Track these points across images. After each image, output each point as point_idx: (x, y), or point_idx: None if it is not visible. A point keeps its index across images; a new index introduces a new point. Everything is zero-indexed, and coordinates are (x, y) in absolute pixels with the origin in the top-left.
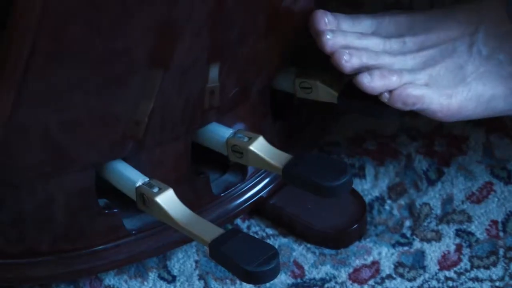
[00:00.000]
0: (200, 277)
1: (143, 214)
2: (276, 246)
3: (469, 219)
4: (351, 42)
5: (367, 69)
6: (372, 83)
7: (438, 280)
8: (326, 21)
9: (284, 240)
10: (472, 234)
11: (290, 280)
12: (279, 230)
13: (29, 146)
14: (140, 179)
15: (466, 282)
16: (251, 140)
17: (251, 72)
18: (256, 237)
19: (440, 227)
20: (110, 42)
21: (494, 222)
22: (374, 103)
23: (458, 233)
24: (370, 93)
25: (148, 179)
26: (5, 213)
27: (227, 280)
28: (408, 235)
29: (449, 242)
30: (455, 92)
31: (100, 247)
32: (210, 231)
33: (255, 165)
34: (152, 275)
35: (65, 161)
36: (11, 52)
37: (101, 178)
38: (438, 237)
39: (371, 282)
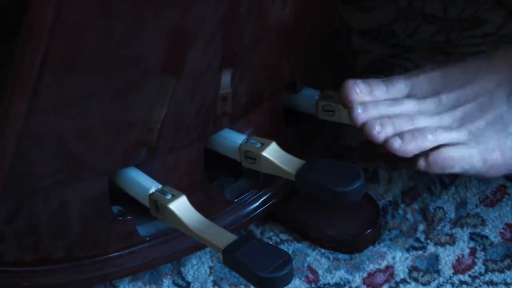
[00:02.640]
0: (214, 283)
1: (157, 221)
2: (290, 252)
3: (483, 223)
4: (384, 111)
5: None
6: (404, 146)
7: (452, 284)
8: (357, 91)
9: (298, 246)
10: (486, 237)
11: (304, 286)
12: (293, 235)
13: (43, 154)
14: (153, 186)
15: (480, 285)
16: (264, 146)
17: (264, 78)
18: (270, 242)
19: (454, 231)
20: (123, 50)
21: (508, 225)
22: None
23: (472, 236)
24: (405, 157)
25: (161, 186)
26: (20, 221)
27: (241, 286)
28: (422, 239)
29: (463, 246)
30: (499, 145)
31: (114, 254)
32: (223, 237)
33: (268, 171)
34: (167, 282)
35: (79, 168)
36: (24, 60)
37: (115, 185)
38: (452, 241)
39: (385, 286)
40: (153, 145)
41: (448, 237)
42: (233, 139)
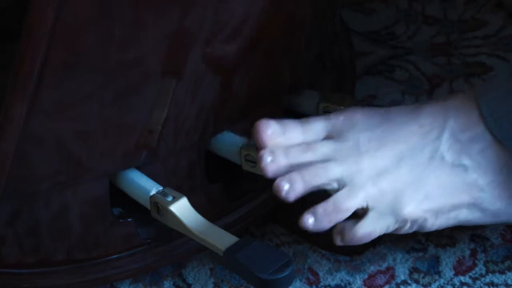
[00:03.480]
0: (215, 285)
1: (158, 223)
2: (291, 253)
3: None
4: (295, 159)
5: (316, 188)
6: (317, 224)
7: (453, 286)
8: (269, 132)
9: (299, 247)
10: (487, 239)
11: (305, 287)
12: (294, 237)
13: (43, 156)
14: (154, 188)
15: (481, 287)
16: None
17: (264, 80)
18: (271, 244)
19: (454, 232)
20: (123, 52)
21: (509, 226)
22: None
23: (473, 238)
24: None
25: (162, 187)
26: (20, 224)
27: None
28: (423, 240)
29: (463, 247)
30: (413, 206)
31: (115, 256)
32: (224, 239)
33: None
34: (167, 284)
35: (79, 171)
36: (24, 62)
37: (116, 187)
38: (453, 242)
39: (386, 287)
40: (154, 147)
41: (448, 239)
42: (233, 142)
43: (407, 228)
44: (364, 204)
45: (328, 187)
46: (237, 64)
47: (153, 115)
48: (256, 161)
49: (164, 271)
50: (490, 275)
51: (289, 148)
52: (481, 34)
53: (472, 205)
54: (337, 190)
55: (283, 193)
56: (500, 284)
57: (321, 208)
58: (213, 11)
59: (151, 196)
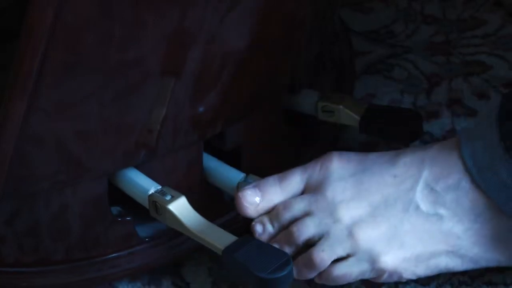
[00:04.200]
0: (214, 284)
1: (156, 222)
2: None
3: None
4: (278, 222)
5: (304, 243)
6: (300, 274)
7: (452, 285)
8: (249, 202)
9: None
10: None
11: (303, 286)
12: None
13: (43, 156)
14: (152, 187)
15: (480, 286)
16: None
17: (263, 80)
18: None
19: None
20: (123, 52)
21: None
22: (395, 127)
23: None
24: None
25: (160, 186)
26: (20, 223)
27: (241, 287)
28: None
29: None
30: (390, 255)
31: (114, 255)
32: (223, 238)
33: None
34: (166, 282)
35: (79, 170)
36: (24, 62)
37: (114, 186)
38: None
39: (384, 286)
40: (153, 146)
41: None
42: (231, 177)
43: (386, 277)
44: (343, 254)
45: (311, 241)
46: (236, 64)
47: (152, 114)
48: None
49: (163, 270)
50: (489, 274)
51: (271, 213)
52: (480, 33)
53: (450, 253)
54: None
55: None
56: (499, 283)
57: (300, 260)
58: (213, 11)
59: (150, 195)
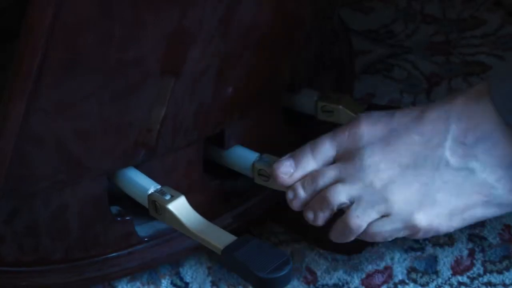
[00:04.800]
0: (213, 284)
1: (156, 221)
2: (289, 252)
3: (482, 224)
4: (311, 189)
5: (335, 209)
6: (340, 237)
7: (451, 285)
8: (285, 171)
9: (296, 246)
10: (485, 238)
11: (303, 286)
12: (292, 236)
13: (42, 155)
14: (152, 186)
15: (479, 286)
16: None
17: (263, 79)
18: (269, 243)
19: (452, 232)
20: (123, 52)
21: (507, 226)
22: None
23: (471, 238)
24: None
25: (160, 186)
26: (19, 222)
27: (240, 287)
28: (421, 240)
29: (461, 247)
30: (423, 213)
31: (113, 254)
32: (222, 238)
33: (282, 189)
34: (165, 282)
35: (78, 169)
36: (24, 61)
37: (114, 186)
38: (451, 242)
39: (383, 287)
40: (152, 146)
41: (446, 238)
42: (246, 156)
43: (421, 234)
44: (377, 216)
45: (343, 207)
46: (236, 63)
47: (152, 114)
48: (268, 175)
49: (162, 269)
50: (488, 275)
51: (304, 180)
52: (480, 33)
53: (486, 203)
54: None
55: (312, 222)
56: (498, 284)
57: (337, 226)
58: (212, 11)
59: (149, 195)
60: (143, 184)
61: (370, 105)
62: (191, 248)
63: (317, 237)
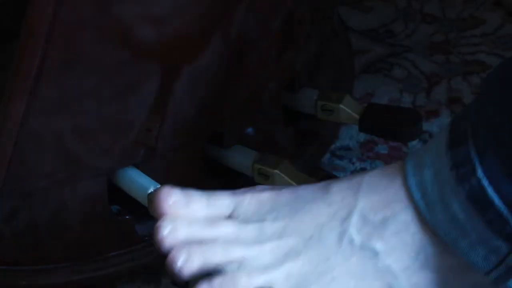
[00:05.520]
0: None
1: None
2: None
3: None
4: (195, 233)
5: (213, 269)
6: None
7: None
8: (170, 201)
9: None
10: None
11: None
12: None
13: (42, 154)
14: (152, 186)
15: None
16: (277, 164)
17: (263, 77)
18: None
19: None
20: (121, 49)
21: None
22: (395, 126)
23: None
24: None
25: (159, 186)
26: (18, 221)
27: None
28: None
29: None
30: None
31: (113, 253)
32: None
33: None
34: (165, 281)
35: (78, 168)
36: (23, 60)
37: (114, 185)
38: None
39: None
40: (152, 145)
41: None
42: (246, 156)
43: None
44: (269, 285)
45: (228, 267)
46: (236, 62)
47: (151, 113)
48: (269, 175)
49: (162, 268)
50: None
51: (190, 221)
52: (480, 32)
53: None
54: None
55: (177, 265)
56: None
57: (217, 282)
58: (212, 8)
59: (149, 194)
60: (143, 183)
61: (370, 104)
62: None
63: None
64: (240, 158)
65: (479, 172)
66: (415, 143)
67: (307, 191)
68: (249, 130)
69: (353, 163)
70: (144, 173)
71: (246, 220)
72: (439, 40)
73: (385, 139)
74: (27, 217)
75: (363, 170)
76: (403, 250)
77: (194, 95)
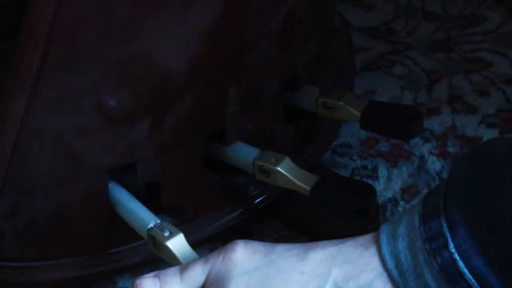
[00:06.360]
0: None
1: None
2: None
3: None
4: None
5: None
6: None
7: None
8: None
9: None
10: None
11: None
12: (292, 232)
13: (42, 151)
14: (152, 221)
15: None
16: (278, 161)
17: (264, 75)
18: (269, 239)
19: None
20: (122, 47)
21: None
22: (396, 124)
23: None
24: None
25: (159, 220)
26: (19, 219)
27: None
28: None
29: None
30: None
31: (114, 250)
32: None
33: (283, 185)
34: None
35: (78, 166)
36: (24, 58)
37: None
38: None
39: None
40: (152, 142)
41: None
42: (247, 153)
43: None
44: None
45: None
46: (236, 61)
47: (152, 110)
48: (270, 172)
49: (163, 265)
50: None
51: None
52: (481, 30)
53: None
54: None
55: None
56: None
57: None
58: (214, 5)
59: (149, 229)
60: (143, 217)
61: (371, 102)
62: (192, 244)
63: (317, 234)
64: (241, 155)
65: (451, 247)
66: (416, 140)
67: (281, 256)
68: (250, 127)
69: (354, 161)
70: (144, 169)
71: (217, 286)
72: (440, 37)
73: (386, 136)
74: (28, 214)
75: (363, 167)
76: None
77: (194, 92)
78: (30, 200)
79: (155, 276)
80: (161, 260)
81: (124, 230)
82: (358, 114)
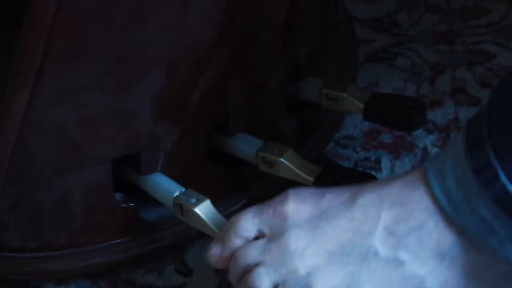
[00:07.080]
0: (217, 270)
1: (160, 208)
2: None
3: None
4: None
5: None
6: None
7: None
8: (213, 256)
9: None
10: None
11: None
12: None
13: (45, 142)
14: (177, 190)
15: None
16: (281, 152)
17: (267, 68)
18: None
19: None
20: (125, 39)
21: None
22: (399, 115)
23: None
24: None
25: (184, 189)
26: (22, 210)
27: None
28: None
29: None
30: None
31: (117, 240)
32: None
33: (286, 177)
34: (169, 269)
35: (81, 156)
36: (26, 51)
37: (117, 172)
38: None
39: None
40: (156, 134)
41: None
42: (251, 144)
43: None
44: None
45: None
46: (238, 51)
47: (155, 102)
48: (273, 163)
49: (165, 256)
50: None
51: (231, 261)
52: (484, 22)
53: None
54: None
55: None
56: None
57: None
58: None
59: (175, 197)
60: (168, 187)
61: (375, 93)
62: (195, 235)
63: None
64: (245, 146)
65: (503, 178)
66: (419, 132)
67: (329, 205)
68: (254, 119)
69: (356, 152)
70: (147, 161)
71: (271, 239)
72: (443, 29)
73: (389, 128)
74: (31, 205)
75: (366, 159)
76: (428, 256)
77: (197, 84)
78: (33, 191)
79: (217, 239)
80: (165, 251)
81: (127, 221)
82: (361, 105)
